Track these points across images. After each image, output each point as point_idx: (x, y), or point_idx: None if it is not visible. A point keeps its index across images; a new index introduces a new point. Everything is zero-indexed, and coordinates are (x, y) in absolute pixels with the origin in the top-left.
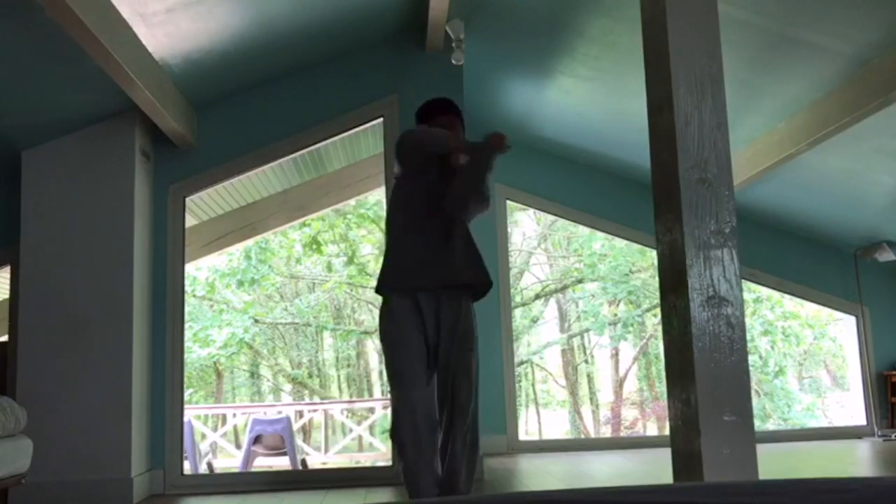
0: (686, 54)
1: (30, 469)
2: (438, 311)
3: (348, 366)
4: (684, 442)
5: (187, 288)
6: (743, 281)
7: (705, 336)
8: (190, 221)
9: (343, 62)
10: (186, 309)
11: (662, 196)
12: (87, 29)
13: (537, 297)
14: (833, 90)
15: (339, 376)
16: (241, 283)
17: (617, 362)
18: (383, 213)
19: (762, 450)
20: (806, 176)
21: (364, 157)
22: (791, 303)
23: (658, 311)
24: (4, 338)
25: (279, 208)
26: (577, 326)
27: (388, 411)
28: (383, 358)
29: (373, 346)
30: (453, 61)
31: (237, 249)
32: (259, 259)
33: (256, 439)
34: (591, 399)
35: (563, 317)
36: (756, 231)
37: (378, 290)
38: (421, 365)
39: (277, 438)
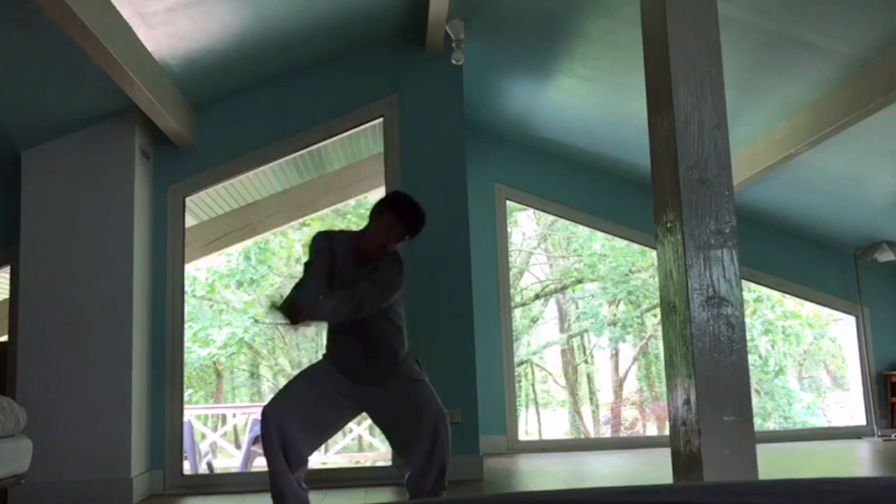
0: (686, 54)
1: (30, 469)
2: None
3: None
4: (684, 442)
5: (187, 288)
6: (743, 281)
7: (705, 336)
8: (190, 221)
9: (343, 62)
10: (186, 309)
11: (662, 196)
12: (87, 29)
13: (537, 297)
14: (833, 90)
15: None
16: (240, 284)
17: (617, 362)
18: None
19: (762, 450)
20: (806, 176)
21: (364, 157)
22: (791, 302)
23: (658, 311)
24: (4, 338)
25: (279, 208)
26: (576, 326)
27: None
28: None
29: None
30: (453, 61)
31: (237, 250)
32: (258, 259)
33: (256, 439)
34: (590, 399)
35: (562, 317)
36: (756, 231)
37: None
38: None
39: None
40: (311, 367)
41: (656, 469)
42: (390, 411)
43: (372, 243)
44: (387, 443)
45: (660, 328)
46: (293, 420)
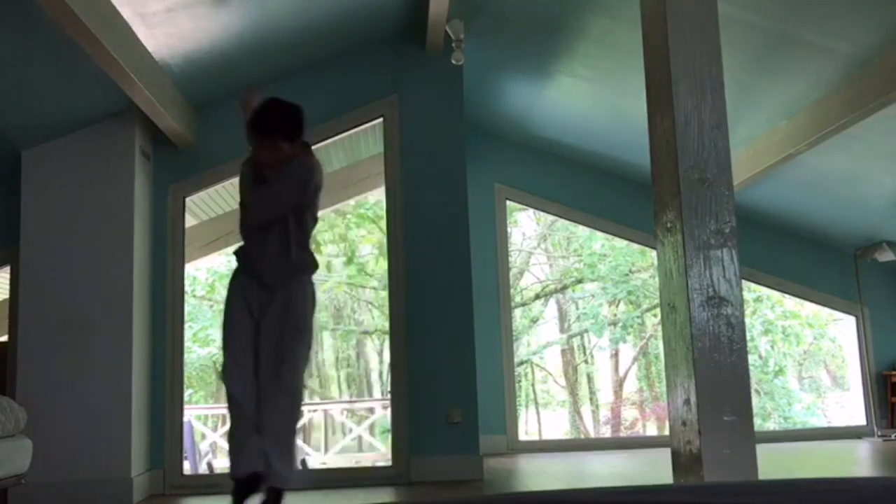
0: (686, 54)
1: (30, 469)
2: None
3: (348, 366)
4: (684, 442)
5: (187, 288)
6: (743, 281)
7: (705, 336)
8: (190, 221)
9: (343, 62)
10: (186, 309)
11: (662, 196)
12: (87, 29)
13: (537, 297)
14: (833, 90)
15: (338, 376)
16: None
17: (617, 362)
18: (383, 213)
19: (762, 450)
20: (806, 176)
21: (364, 157)
22: (791, 302)
23: (658, 311)
24: (4, 338)
25: None
26: (576, 326)
27: (387, 412)
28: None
29: (372, 347)
30: (453, 61)
31: None
32: None
33: None
34: (590, 399)
35: (562, 317)
36: (756, 231)
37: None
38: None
39: None
40: (230, 302)
41: (656, 469)
42: (269, 338)
43: (257, 164)
44: (387, 443)
45: (660, 328)
46: (252, 386)
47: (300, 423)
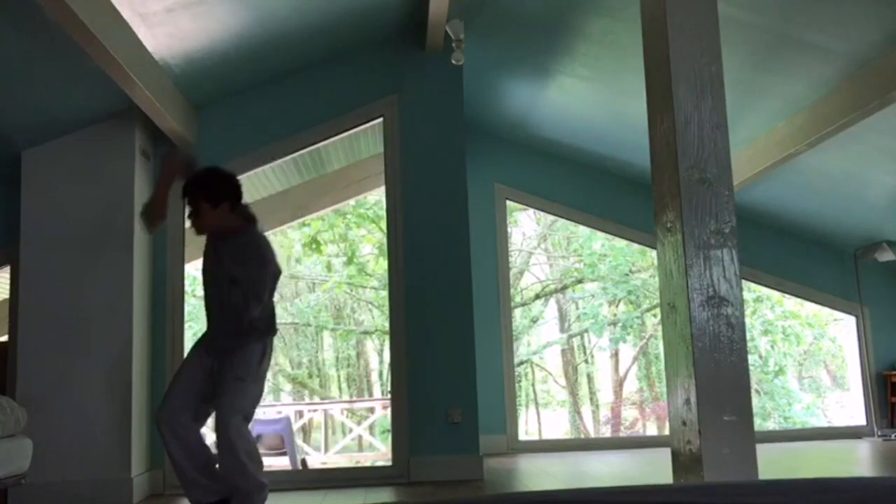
0: (686, 54)
1: (30, 469)
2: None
3: (348, 366)
4: (684, 442)
5: (187, 288)
6: (743, 281)
7: (705, 336)
8: None
9: (343, 62)
10: (186, 309)
11: (662, 196)
12: (87, 29)
13: (537, 297)
14: (833, 90)
15: (338, 376)
16: None
17: (617, 362)
18: (383, 213)
19: (762, 450)
20: (806, 176)
21: (364, 157)
22: (791, 302)
23: (658, 311)
24: (4, 338)
25: (279, 208)
26: (576, 326)
27: (387, 412)
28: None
29: (372, 346)
30: (453, 61)
31: None
32: None
33: (256, 439)
34: (591, 399)
35: (562, 317)
36: (756, 231)
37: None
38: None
39: (277, 438)
40: (187, 356)
41: (656, 469)
42: (216, 390)
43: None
44: (387, 443)
45: (660, 328)
46: (186, 414)
47: (253, 463)
